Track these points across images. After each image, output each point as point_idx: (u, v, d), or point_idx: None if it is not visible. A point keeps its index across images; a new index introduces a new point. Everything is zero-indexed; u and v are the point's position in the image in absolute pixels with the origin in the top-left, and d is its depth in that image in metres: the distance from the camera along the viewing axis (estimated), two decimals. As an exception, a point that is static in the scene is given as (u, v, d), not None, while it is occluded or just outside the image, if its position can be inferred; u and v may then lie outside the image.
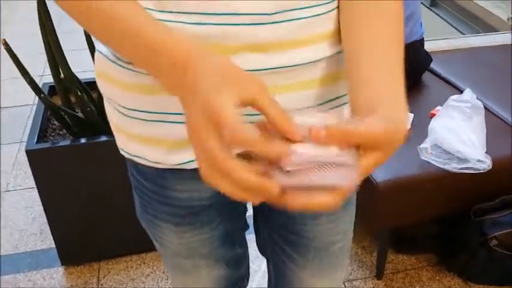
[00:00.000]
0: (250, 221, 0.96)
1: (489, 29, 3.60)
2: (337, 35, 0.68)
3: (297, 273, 0.91)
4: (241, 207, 0.89)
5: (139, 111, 0.69)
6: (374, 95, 0.56)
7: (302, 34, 0.65)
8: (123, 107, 0.71)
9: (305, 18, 0.64)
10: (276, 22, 0.62)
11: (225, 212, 0.84)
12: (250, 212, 0.95)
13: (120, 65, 0.68)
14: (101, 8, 0.57)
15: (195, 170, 0.73)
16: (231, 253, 0.91)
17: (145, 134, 0.72)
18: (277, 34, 0.63)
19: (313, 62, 0.67)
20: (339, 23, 0.67)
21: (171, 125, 0.69)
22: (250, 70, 0.63)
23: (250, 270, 1.04)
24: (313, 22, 0.65)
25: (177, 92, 0.55)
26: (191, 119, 0.51)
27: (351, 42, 0.64)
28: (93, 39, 0.74)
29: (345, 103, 0.76)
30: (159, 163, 0.74)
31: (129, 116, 0.71)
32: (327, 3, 0.65)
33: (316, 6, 0.64)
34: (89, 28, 0.62)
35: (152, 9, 0.62)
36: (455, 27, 4.02)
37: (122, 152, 0.78)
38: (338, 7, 0.67)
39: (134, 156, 0.76)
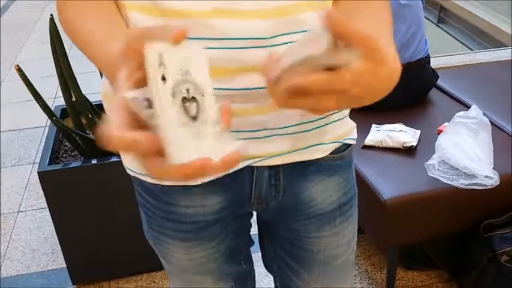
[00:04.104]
0: (256, 239, 0.98)
1: (497, 44, 3.61)
2: None
3: None
4: (246, 222, 0.91)
5: None
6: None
7: None
8: None
9: None
10: (273, 45, 0.66)
11: (230, 227, 0.86)
12: (256, 230, 0.96)
13: None
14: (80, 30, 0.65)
15: (200, 186, 0.76)
16: (237, 269, 0.92)
17: None
18: None
19: None
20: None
21: None
22: (250, 89, 0.68)
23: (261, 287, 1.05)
24: None
25: None
26: None
27: None
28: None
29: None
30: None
31: None
32: None
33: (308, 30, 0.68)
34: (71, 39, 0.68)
35: None
36: (463, 43, 4.04)
37: (127, 170, 0.81)
38: None
39: (140, 174, 0.79)
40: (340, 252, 0.89)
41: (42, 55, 3.82)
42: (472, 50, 3.78)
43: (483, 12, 3.98)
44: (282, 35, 0.66)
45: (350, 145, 0.84)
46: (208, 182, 0.75)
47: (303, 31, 0.67)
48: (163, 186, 0.78)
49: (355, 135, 0.84)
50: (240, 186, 0.79)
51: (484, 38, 3.89)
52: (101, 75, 0.82)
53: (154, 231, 0.85)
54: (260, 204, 0.83)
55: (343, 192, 0.85)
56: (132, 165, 0.79)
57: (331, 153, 0.81)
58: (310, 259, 0.89)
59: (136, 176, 0.80)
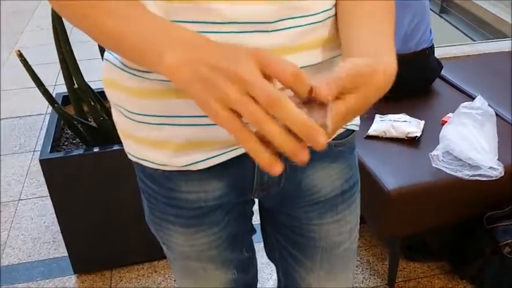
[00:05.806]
0: (258, 228, 0.97)
1: (500, 34, 3.59)
2: (334, 41, 0.71)
3: (304, 277, 0.92)
4: (248, 209, 0.90)
5: (145, 115, 0.72)
6: (364, 51, 0.60)
7: (300, 40, 0.68)
8: (130, 112, 0.73)
9: (303, 26, 0.67)
10: (276, 30, 0.65)
11: (232, 214, 0.85)
12: (258, 220, 0.95)
13: (127, 71, 0.71)
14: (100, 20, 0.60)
15: (202, 171, 0.75)
16: (238, 257, 0.91)
17: (151, 137, 0.74)
18: (277, 41, 0.66)
19: (312, 65, 0.70)
20: (335, 29, 0.71)
21: (177, 127, 0.71)
22: None
23: (262, 278, 1.04)
24: (311, 30, 0.68)
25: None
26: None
27: (346, 24, 0.67)
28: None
29: None
30: (166, 165, 0.75)
31: (136, 120, 0.73)
32: (323, 11, 0.68)
33: (313, 15, 0.67)
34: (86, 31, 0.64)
35: None
36: (465, 34, 4.02)
37: (129, 156, 0.80)
38: (335, 15, 0.70)
39: (141, 159, 0.78)
40: (342, 240, 0.89)
41: (41, 41, 3.80)
42: (474, 40, 3.76)
43: (486, 3, 3.96)
44: (285, 19, 0.65)
45: (353, 131, 0.83)
46: (211, 167, 0.74)
47: (306, 15, 0.67)
48: (164, 171, 0.77)
49: (358, 121, 0.83)
50: (243, 171, 0.78)
51: (486, 28, 3.87)
52: (102, 58, 0.80)
53: (156, 218, 0.85)
54: (262, 190, 0.82)
55: (346, 178, 0.84)
56: (133, 151, 0.78)
57: (333, 139, 0.80)
58: (312, 247, 0.88)
59: (138, 161, 0.79)
